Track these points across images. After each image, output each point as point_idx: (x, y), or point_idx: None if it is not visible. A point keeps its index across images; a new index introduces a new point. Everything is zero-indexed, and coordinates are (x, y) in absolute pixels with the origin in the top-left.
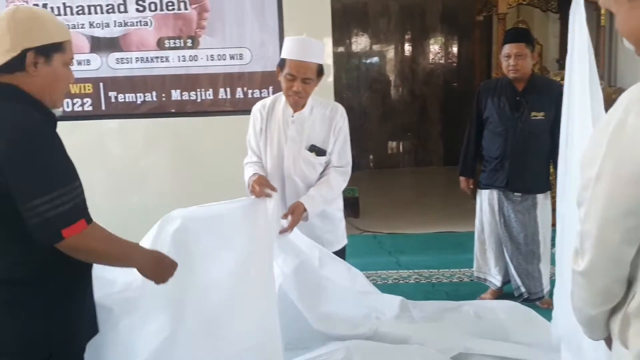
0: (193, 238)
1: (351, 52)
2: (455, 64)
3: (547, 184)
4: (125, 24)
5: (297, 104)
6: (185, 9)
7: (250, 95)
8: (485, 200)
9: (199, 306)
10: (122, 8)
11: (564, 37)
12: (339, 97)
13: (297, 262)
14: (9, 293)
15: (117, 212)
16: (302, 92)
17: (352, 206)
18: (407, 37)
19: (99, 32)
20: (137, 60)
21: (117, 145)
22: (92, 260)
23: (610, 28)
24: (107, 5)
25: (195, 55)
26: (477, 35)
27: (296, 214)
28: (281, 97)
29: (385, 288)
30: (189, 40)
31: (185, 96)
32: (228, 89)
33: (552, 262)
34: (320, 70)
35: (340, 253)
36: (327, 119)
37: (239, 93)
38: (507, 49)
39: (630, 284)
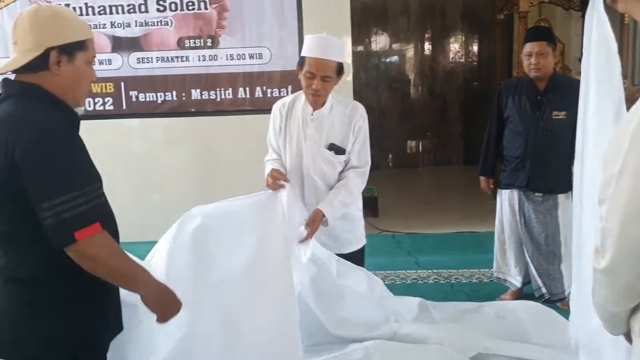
0: (212, 236)
1: (370, 51)
2: (475, 63)
3: (568, 184)
4: (146, 24)
5: (317, 102)
6: (206, 8)
7: (269, 95)
8: (506, 200)
9: (218, 302)
10: (143, 8)
11: None
12: (357, 96)
13: (314, 272)
14: (31, 294)
15: (138, 210)
16: (321, 90)
17: (371, 206)
18: (427, 35)
19: (120, 32)
20: (158, 60)
21: (138, 144)
22: (97, 271)
23: (634, 27)
24: (128, 5)
25: (215, 55)
26: (498, 33)
27: (316, 222)
28: (301, 96)
29: (404, 288)
30: (209, 40)
31: (205, 95)
32: (247, 89)
33: None
34: (339, 69)
35: (359, 253)
36: (347, 117)
37: (258, 92)
38: (529, 47)
39: None
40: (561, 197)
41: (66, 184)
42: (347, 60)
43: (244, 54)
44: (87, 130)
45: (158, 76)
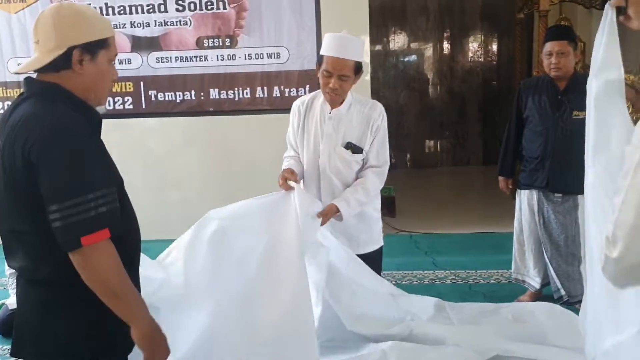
0: (228, 239)
1: (389, 50)
2: (495, 62)
3: None
4: (165, 24)
5: (334, 100)
6: (224, 8)
7: (287, 94)
8: (525, 200)
9: (234, 301)
10: (162, 8)
11: None
12: (375, 95)
13: (325, 269)
14: (52, 294)
15: (157, 207)
16: (338, 89)
17: (388, 205)
18: (445, 34)
19: (139, 32)
20: (177, 60)
21: (157, 142)
22: (92, 283)
23: None
24: (148, 5)
25: (234, 55)
26: (518, 33)
27: (328, 215)
28: (320, 94)
29: (421, 288)
30: (227, 40)
31: (223, 95)
32: (265, 88)
33: None
34: (358, 68)
35: (377, 254)
36: (365, 116)
37: (276, 92)
38: (549, 46)
39: None
40: (581, 198)
41: (78, 187)
42: (365, 59)
43: (262, 54)
44: (106, 129)
45: (177, 75)
